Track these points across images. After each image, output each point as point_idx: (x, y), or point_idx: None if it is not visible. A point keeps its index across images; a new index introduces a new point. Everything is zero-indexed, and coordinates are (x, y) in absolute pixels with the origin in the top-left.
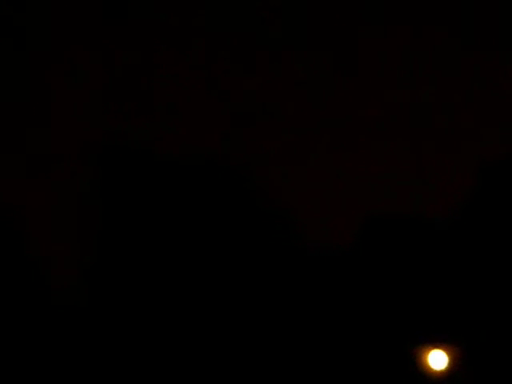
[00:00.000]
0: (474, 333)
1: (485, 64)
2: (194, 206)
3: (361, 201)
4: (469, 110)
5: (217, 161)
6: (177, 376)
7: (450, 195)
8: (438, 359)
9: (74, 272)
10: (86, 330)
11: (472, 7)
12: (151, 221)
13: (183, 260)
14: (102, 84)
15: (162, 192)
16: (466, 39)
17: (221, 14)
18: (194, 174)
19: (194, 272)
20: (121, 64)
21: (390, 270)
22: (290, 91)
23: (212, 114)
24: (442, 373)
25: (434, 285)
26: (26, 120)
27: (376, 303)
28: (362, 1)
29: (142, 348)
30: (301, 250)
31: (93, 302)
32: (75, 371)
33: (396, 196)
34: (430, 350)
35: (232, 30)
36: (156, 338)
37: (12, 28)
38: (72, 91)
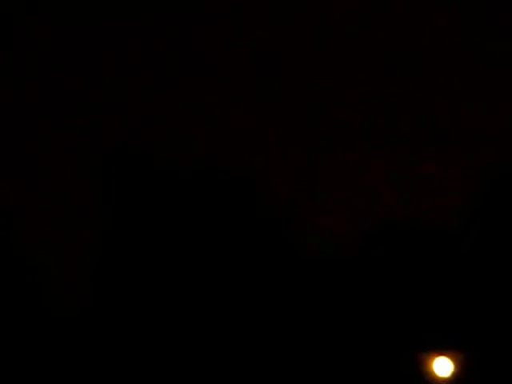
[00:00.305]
0: (480, 339)
1: (488, 65)
2: (197, 211)
3: (365, 207)
4: (475, 115)
5: (220, 167)
6: (178, 376)
7: (455, 201)
8: (443, 366)
9: (76, 275)
10: (88, 332)
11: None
12: (155, 225)
13: (188, 261)
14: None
15: (164, 196)
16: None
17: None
18: (198, 181)
19: (198, 275)
20: (122, 65)
21: (394, 275)
22: (291, 93)
23: (215, 118)
24: (447, 380)
25: (440, 291)
26: (32, 121)
27: (381, 309)
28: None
29: (146, 350)
30: (305, 256)
31: (96, 305)
32: (78, 372)
33: (400, 202)
34: (435, 356)
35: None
36: (158, 340)
37: (13, 27)
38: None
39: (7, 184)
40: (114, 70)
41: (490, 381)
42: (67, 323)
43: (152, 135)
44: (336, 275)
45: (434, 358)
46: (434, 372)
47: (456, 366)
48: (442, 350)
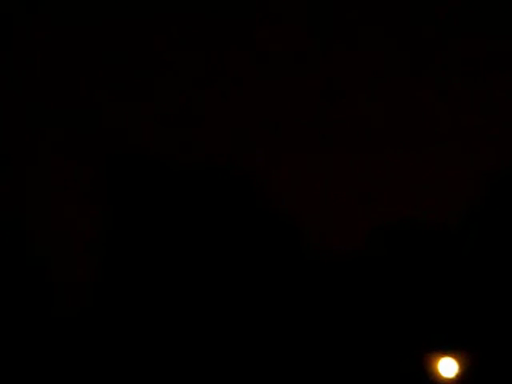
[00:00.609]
0: (485, 340)
1: (493, 65)
2: (198, 212)
3: (367, 208)
4: (479, 114)
5: (220, 168)
6: (179, 376)
7: (459, 201)
8: (448, 367)
9: (79, 275)
10: (91, 333)
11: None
12: (156, 225)
13: (189, 261)
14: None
15: (165, 197)
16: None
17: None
18: (197, 181)
19: (199, 275)
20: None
21: (399, 276)
22: (294, 94)
23: (217, 118)
24: (452, 380)
25: (444, 292)
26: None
27: (385, 310)
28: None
29: (149, 350)
30: (307, 258)
31: (98, 305)
32: (80, 372)
33: (402, 202)
34: (440, 357)
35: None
36: (161, 341)
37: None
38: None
39: (8, 184)
40: (114, 70)
41: (496, 381)
42: (70, 322)
43: (153, 135)
44: (339, 276)
45: (438, 359)
46: (438, 372)
47: (461, 367)
48: (446, 351)
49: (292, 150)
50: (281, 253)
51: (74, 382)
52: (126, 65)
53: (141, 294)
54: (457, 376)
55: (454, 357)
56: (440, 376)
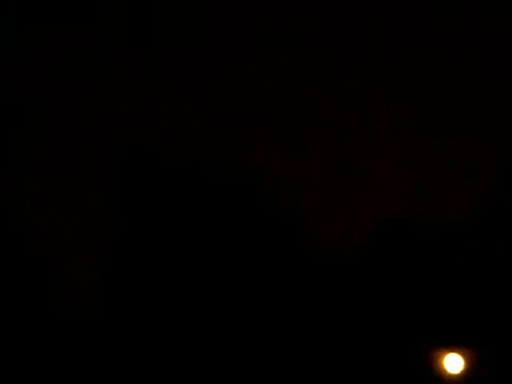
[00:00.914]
0: (490, 336)
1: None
2: (203, 211)
3: (371, 205)
4: (484, 112)
5: (224, 164)
6: (181, 376)
7: (464, 197)
8: (453, 362)
9: (87, 277)
10: (95, 333)
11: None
12: (163, 226)
13: (194, 258)
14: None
15: (171, 196)
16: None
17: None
18: (202, 179)
19: (204, 274)
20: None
21: (405, 272)
22: (298, 92)
23: (218, 116)
24: (457, 376)
25: (450, 288)
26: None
27: (391, 306)
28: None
29: (152, 351)
30: (312, 255)
31: (105, 307)
32: (83, 372)
33: (407, 199)
34: (446, 353)
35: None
36: (163, 341)
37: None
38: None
39: (18, 183)
40: (117, 71)
41: (500, 377)
42: (78, 318)
43: (159, 135)
44: (345, 272)
45: (444, 355)
46: (444, 368)
47: (466, 363)
48: (452, 347)
49: (295, 148)
50: (285, 248)
51: (76, 380)
52: (129, 65)
53: (144, 291)
54: (462, 372)
55: (460, 353)
56: (446, 372)
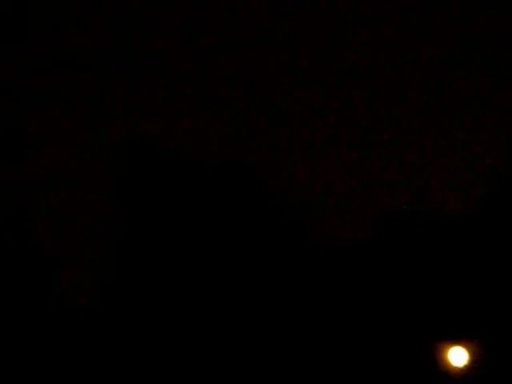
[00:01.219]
0: (495, 329)
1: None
2: (205, 207)
3: (373, 199)
4: (486, 107)
5: (228, 159)
6: (181, 376)
7: (465, 192)
8: (458, 356)
9: (87, 274)
10: (95, 331)
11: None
12: (164, 223)
13: (196, 258)
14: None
15: (174, 193)
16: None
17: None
18: (205, 175)
19: (205, 271)
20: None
21: (410, 266)
22: (300, 88)
23: (222, 112)
24: (462, 369)
25: (455, 281)
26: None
27: (395, 300)
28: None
29: (153, 350)
30: (315, 248)
31: (105, 304)
32: (83, 371)
33: (408, 192)
34: (451, 346)
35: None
36: (163, 340)
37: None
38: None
39: (19, 179)
40: (121, 68)
41: (505, 370)
42: (78, 318)
43: (163, 131)
44: (351, 267)
45: (449, 348)
46: (449, 362)
47: (471, 356)
48: (457, 341)
49: (302, 146)
50: (289, 245)
51: (76, 379)
52: (132, 62)
53: (145, 289)
54: (467, 365)
55: (464, 346)
56: (450, 365)
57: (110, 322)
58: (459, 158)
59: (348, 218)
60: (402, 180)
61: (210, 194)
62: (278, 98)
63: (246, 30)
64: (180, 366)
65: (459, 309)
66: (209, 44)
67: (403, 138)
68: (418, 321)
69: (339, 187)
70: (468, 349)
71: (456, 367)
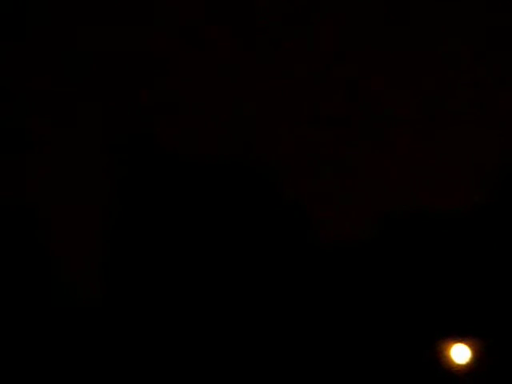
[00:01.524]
0: (497, 326)
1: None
2: (205, 207)
3: (374, 198)
4: (488, 106)
5: (228, 159)
6: (182, 376)
7: (466, 192)
8: (460, 353)
9: (89, 272)
10: (96, 330)
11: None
12: (166, 222)
13: (197, 258)
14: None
15: (174, 193)
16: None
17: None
18: (205, 175)
19: (206, 270)
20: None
21: (412, 264)
22: (302, 88)
23: (224, 112)
24: (464, 366)
25: (457, 279)
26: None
27: (398, 297)
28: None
29: (154, 349)
30: (316, 248)
31: (105, 304)
32: (83, 371)
33: (410, 193)
34: (453, 343)
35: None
36: (163, 339)
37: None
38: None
39: (21, 179)
40: (121, 68)
41: (507, 368)
42: (78, 317)
43: (164, 128)
44: (353, 265)
45: (451, 346)
46: (451, 359)
47: (474, 353)
48: (459, 338)
49: (300, 144)
50: (288, 243)
51: (76, 378)
52: (134, 59)
53: (145, 288)
54: (469, 362)
55: (467, 343)
56: (453, 362)
57: (109, 321)
58: (459, 157)
59: (348, 218)
60: (402, 180)
61: (209, 194)
62: (277, 98)
63: (246, 30)
64: (180, 365)
65: (461, 307)
66: (209, 44)
67: (403, 138)
68: (421, 319)
69: (339, 187)
70: (470, 346)
71: (458, 364)
